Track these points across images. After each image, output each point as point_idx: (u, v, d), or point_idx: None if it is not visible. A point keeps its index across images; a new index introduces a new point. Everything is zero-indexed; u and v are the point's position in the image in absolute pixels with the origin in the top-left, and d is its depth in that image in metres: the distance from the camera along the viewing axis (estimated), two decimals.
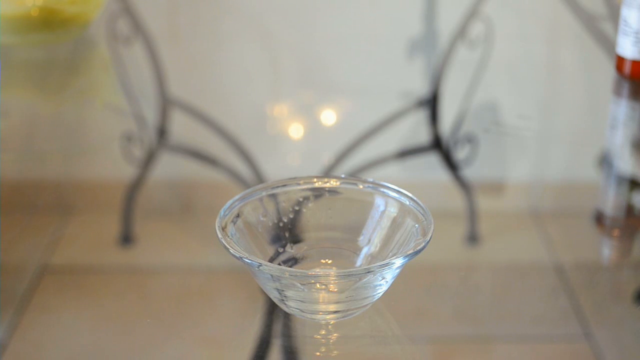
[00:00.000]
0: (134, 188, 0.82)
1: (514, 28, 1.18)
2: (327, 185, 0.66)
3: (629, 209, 0.80)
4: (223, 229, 0.61)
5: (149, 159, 0.86)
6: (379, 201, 0.65)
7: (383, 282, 0.59)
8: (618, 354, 0.64)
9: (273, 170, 0.85)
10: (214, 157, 0.87)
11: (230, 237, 0.60)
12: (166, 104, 0.96)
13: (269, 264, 0.59)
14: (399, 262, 0.57)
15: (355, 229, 0.65)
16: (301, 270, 0.62)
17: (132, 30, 1.10)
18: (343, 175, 0.67)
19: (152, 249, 0.75)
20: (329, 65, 1.10)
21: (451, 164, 0.86)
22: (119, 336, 0.64)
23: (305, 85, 1.07)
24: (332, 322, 0.61)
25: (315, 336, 0.61)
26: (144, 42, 1.07)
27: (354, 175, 0.81)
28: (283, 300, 0.59)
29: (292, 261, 0.64)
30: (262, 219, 0.64)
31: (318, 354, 0.61)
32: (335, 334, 0.61)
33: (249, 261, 0.57)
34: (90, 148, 0.93)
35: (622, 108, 0.95)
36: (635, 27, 0.91)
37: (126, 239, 0.76)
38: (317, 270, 0.63)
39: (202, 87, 1.04)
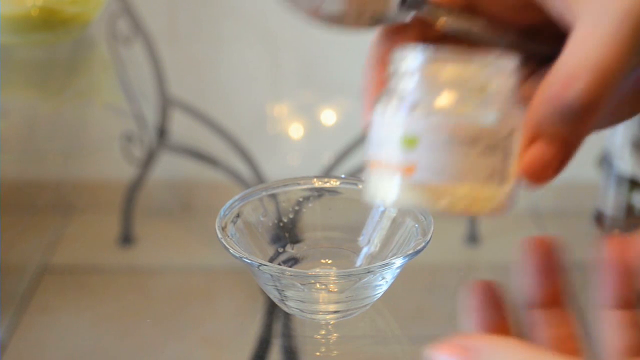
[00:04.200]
0: (134, 188, 0.82)
1: None
2: (327, 185, 0.66)
3: (629, 209, 0.80)
4: (223, 229, 0.61)
5: (149, 159, 0.86)
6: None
7: (383, 282, 0.59)
8: None
9: (273, 170, 0.85)
10: (214, 157, 0.87)
11: (230, 237, 0.60)
12: (166, 104, 0.96)
13: (269, 264, 0.59)
14: (399, 262, 0.57)
15: (355, 229, 0.65)
16: (301, 270, 0.62)
17: (132, 30, 1.10)
18: (343, 175, 0.67)
19: (152, 249, 0.75)
20: (329, 65, 1.10)
21: None
22: (119, 336, 0.64)
23: (305, 85, 1.06)
24: (332, 322, 0.61)
25: (315, 336, 0.61)
26: (144, 42, 1.07)
27: (354, 175, 0.81)
28: (283, 300, 0.59)
29: (292, 261, 0.64)
30: (262, 219, 0.64)
31: (318, 354, 0.61)
32: (335, 334, 0.61)
33: (249, 261, 0.57)
34: (90, 148, 0.93)
35: None
36: None
37: (126, 239, 0.76)
38: (317, 270, 0.63)
39: (202, 87, 1.04)
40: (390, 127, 0.37)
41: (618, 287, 0.37)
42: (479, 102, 0.36)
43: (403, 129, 0.36)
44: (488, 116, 0.36)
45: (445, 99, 0.36)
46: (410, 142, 0.36)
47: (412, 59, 0.37)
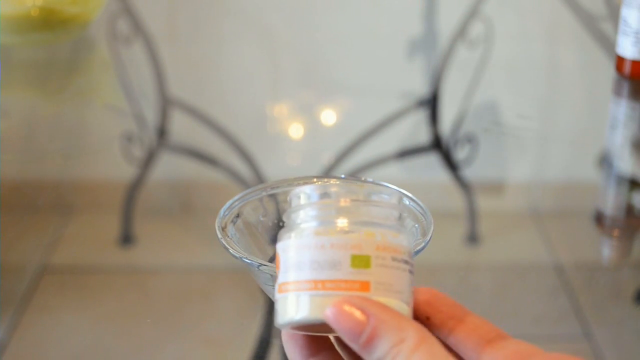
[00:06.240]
0: (134, 188, 0.82)
1: (514, 28, 1.18)
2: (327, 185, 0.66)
3: (629, 209, 0.80)
4: (223, 229, 0.61)
5: (149, 159, 0.86)
6: None
7: None
8: (618, 354, 0.64)
9: (273, 170, 0.85)
10: (214, 157, 0.87)
11: (230, 237, 0.60)
12: (166, 104, 0.96)
13: (268, 264, 0.58)
14: None
15: None
16: None
17: (132, 30, 1.10)
18: (343, 176, 0.67)
19: (152, 249, 0.75)
20: (329, 65, 1.10)
21: (451, 164, 0.86)
22: (119, 336, 0.64)
23: (305, 85, 1.07)
24: None
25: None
26: (144, 42, 1.07)
27: (354, 175, 0.81)
28: None
29: None
30: (262, 219, 0.64)
31: None
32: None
33: (249, 261, 0.57)
34: (90, 148, 0.93)
35: (622, 108, 0.95)
36: (635, 27, 0.91)
37: (126, 239, 0.76)
38: None
39: (202, 87, 1.04)
40: (330, 249, 0.38)
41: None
42: (396, 229, 0.40)
43: (350, 251, 0.38)
44: (408, 239, 0.40)
45: (371, 228, 0.39)
46: (362, 262, 0.38)
47: (311, 192, 0.40)
